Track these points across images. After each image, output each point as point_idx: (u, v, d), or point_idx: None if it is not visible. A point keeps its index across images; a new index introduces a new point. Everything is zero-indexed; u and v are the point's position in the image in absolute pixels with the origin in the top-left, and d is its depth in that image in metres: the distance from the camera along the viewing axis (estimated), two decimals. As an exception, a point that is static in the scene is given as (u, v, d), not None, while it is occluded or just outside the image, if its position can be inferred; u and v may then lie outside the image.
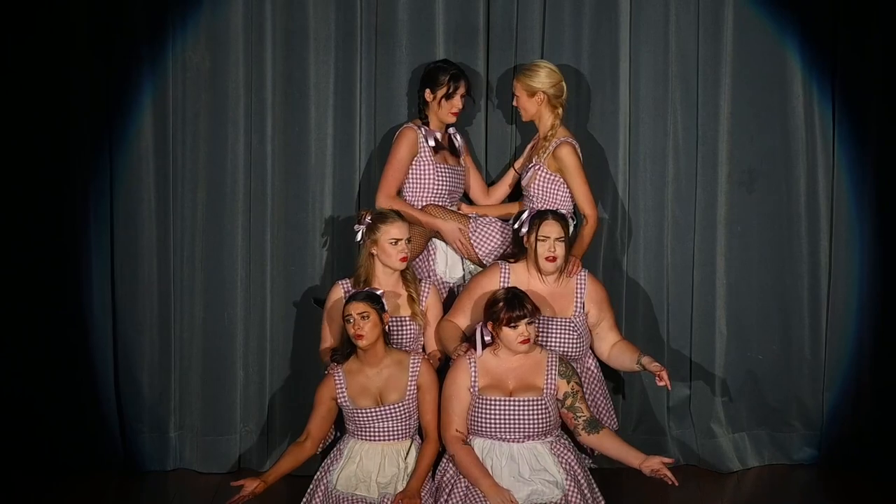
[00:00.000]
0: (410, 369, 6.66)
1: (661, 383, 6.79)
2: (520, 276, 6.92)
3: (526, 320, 6.52)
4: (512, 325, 6.53)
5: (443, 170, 7.23)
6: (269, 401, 7.63)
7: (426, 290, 7.02)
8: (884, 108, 7.51)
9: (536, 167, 7.15)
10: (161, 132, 7.49)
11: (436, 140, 7.22)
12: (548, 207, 7.05)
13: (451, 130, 7.31)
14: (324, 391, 6.66)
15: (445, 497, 6.53)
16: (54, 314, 7.47)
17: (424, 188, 7.23)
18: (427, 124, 7.25)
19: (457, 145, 7.31)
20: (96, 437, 7.48)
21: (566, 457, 6.56)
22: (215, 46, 7.48)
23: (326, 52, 7.49)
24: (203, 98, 7.50)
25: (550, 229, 6.81)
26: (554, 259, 6.82)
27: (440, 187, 7.23)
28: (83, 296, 7.46)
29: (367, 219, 6.96)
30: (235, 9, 7.45)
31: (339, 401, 6.63)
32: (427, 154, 7.22)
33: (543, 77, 7.13)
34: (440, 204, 7.16)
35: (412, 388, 6.64)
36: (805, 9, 7.52)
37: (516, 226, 6.95)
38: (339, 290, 6.99)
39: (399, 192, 7.22)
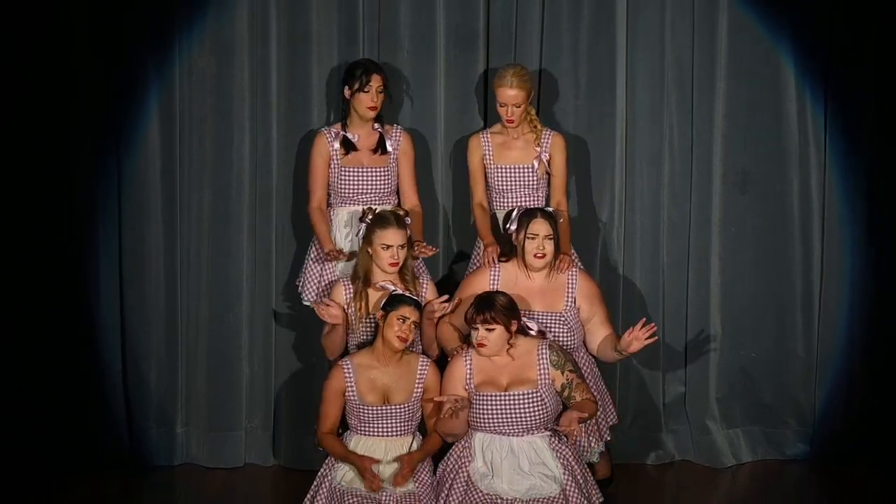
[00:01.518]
0: (419, 372, 6.72)
1: (647, 336, 6.70)
2: (510, 273, 6.96)
3: (480, 326, 6.54)
4: (471, 326, 6.60)
5: (349, 172, 7.20)
6: (274, 397, 7.67)
7: (425, 286, 7.05)
8: (875, 113, 7.55)
9: (545, 157, 7.19)
10: (168, 135, 7.52)
11: (346, 141, 7.20)
12: (535, 199, 7.14)
13: (377, 127, 7.24)
14: (334, 385, 6.69)
15: (446, 492, 6.57)
16: (63, 313, 7.49)
17: (334, 191, 7.24)
18: (345, 128, 7.24)
19: (387, 144, 7.25)
20: (104, 433, 7.51)
21: (564, 453, 6.58)
22: (221, 51, 7.51)
23: (330, 56, 7.53)
24: (209, 101, 7.54)
25: (539, 227, 6.85)
26: (542, 256, 6.86)
27: (347, 189, 7.21)
28: (91, 295, 7.48)
29: (368, 218, 7.00)
30: (240, 14, 7.48)
31: (347, 394, 6.67)
32: (336, 156, 7.22)
33: (531, 76, 7.19)
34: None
35: (419, 390, 6.70)
36: (798, 15, 7.55)
37: (507, 225, 6.99)
38: (341, 289, 7.00)
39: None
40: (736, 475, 7.65)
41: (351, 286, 6.98)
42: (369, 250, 6.94)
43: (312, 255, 7.29)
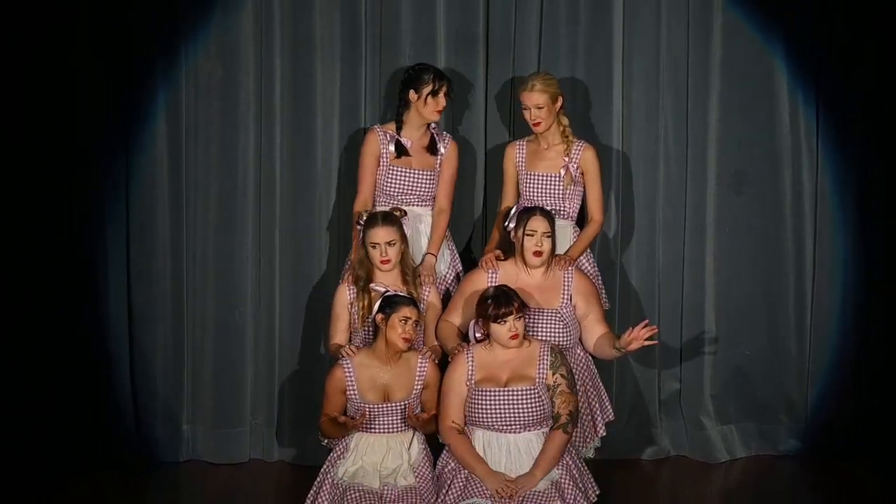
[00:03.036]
0: (418, 370, 6.76)
1: (647, 336, 6.70)
2: (508, 271, 6.99)
3: (513, 316, 6.57)
4: (500, 321, 6.59)
5: (397, 171, 7.25)
6: (277, 395, 7.72)
7: (427, 288, 7.11)
8: (865, 116, 7.61)
9: (573, 168, 7.22)
10: (174, 138, 7.57)
11: (399, 145, 7.24)
12: (561, 208, 7.17)
13: (433, 128, 7.29)
14: (335, 384, 6.72)
15: (446, 489, 6.61)
16: (71, 312, 7.51)
17: (380, 189, 7.27)
18: (400, 128, 7.27)
19: (438, 146, 7.30)
20: (112, 430, 7.55)
21: None
22: (226, 56, 7.56)
23: (332, 61, 7.58)
24: (214, 105, 7.58)
25: (538, 224, 6.88)
26: (540, 253, 6.89)
27: (392, 188, 7.25)
28: (100, 294, 7.52)
29: (362, 220, 7.07)
30: (245, 20, 7.53)
31: (347, 392, 6.71)
32: (386, 157, 7.27)
33: (557, 82, 7.21)
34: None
35: (418, 387, 6.74)
36: (791, 20, 7.60)
37: (506, 222, 7.03)
38: (345, 290, 7.08)
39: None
40: (730, 470, 7.70)
41: (353, 287, 7.04)
42: (365, 250, 7.01)
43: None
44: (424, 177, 7.28)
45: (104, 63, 7.46)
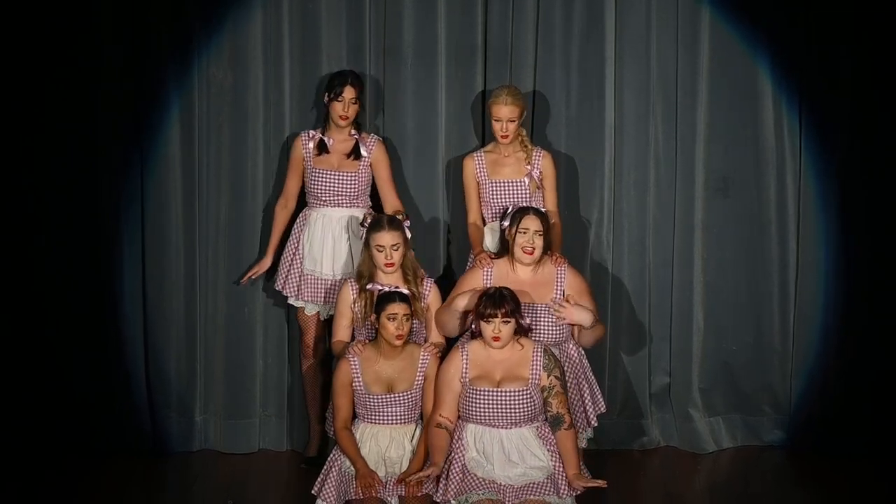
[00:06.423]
0: (420, 362, 6.83)
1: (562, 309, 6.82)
2: (502, 269, 7.02)
3: (499, 319, 6.61)
4: (486, 320, 6.63)
5: (319, 173, 7.37)
6: (286, 388, 7.83)
7: (428, 287, 7.14)
8: (847, 120, 7.69)
9: (536, 174, 7.35)
10: (187, 142, 7.66)
11: (321, 143, 7.36)
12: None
13: (353, 133, 7.39)
14: (342, 378, 6.79)
15: (445, 480, 6.62)
16: (90, 308, 7.62)
17: (307, 191, 7.44)
18: (325, 131, 7.42)
19: (361, 150, 7.40)
20: (128, 420, 7.67)
21: (551, 440, 6.65)
22: (237, 64, 7.66)
23: (338, 69, 7.59)
24: (225, 111, 7.68)
25: (530, 223, 6.92)
26: (531, 252, 6.94)
27: (317, 189, 7.39)
28: (116, 291, 7.63)
29: (366, 222, 7.13)
30: (255, 30, 7.64)
31: (353, 385, 6.77)
32: (309, 158, 7.40)
33: (522, 94, 7.35)
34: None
35: (420, 379, 6.81)
36: (775, 29, 7.69)
37: (501, 221, 7.09)
38: (348, 289, 7.10)
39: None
40: (717, 460, 7.82)
41: (356, 285, 7.09)
42: (369, 252, 7.06)
43: (290, 253, 7.49)
44: (346, 177, 7.40)
45: (129, 74, 7.55)
